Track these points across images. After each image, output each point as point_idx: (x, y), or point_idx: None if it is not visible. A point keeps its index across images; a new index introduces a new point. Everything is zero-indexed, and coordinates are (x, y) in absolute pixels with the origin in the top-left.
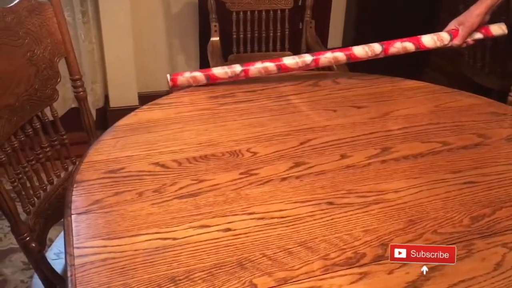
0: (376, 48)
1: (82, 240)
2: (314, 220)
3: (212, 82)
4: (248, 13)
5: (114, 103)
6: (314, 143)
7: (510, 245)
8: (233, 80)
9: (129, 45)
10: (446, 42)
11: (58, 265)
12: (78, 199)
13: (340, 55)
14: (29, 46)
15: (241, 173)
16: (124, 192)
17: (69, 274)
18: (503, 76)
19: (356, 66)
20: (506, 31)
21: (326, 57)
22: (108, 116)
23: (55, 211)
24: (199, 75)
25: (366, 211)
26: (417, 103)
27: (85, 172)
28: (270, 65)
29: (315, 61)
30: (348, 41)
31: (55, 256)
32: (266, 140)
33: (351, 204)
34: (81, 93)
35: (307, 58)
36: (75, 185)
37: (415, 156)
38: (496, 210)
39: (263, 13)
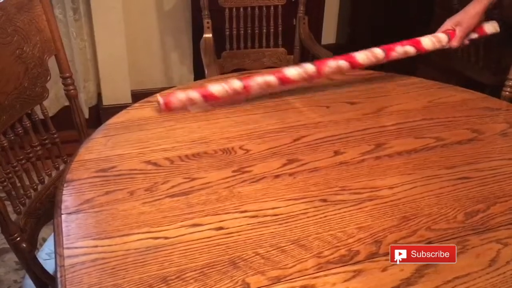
0: (378, 53)
1: (72, 240)
2: (308, 217)
3: (210, 101)
4: (241, 9)
5: (107, 101)
6: (307, 139)
7: (504, 240)
8: (233, 99)
9: (121, 42)
10: (444, 43)
11: (49, 265)
12: (68, 198)
13: (343, 63)
14: (18, 43)
15: (233, 171)
16: (115, 191)
17: (59, 275)
18: (497, 71)
19: None
20: (498, 30)
21: (330, 66)
22: (101, 114)
23: (47, 210)
24: (195, 96)
25: (360, 208)
26: (411, 99)
27: (76, 171)
28: (271, 78)
29: (318, 71)
30: (342, 37)
31: (46, 256)
32: (259, 137)
33: (344, 201)
34: (72, 91)
35: (309, 67)
36: (65, 185)
37: (409, 152)
38: (491, 206)
39: (256, 9)
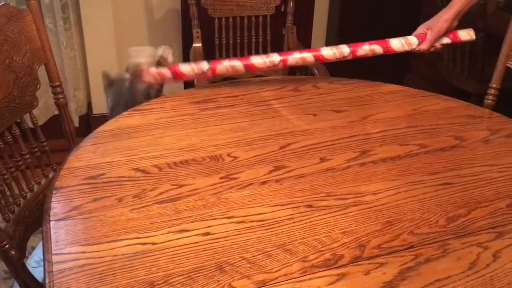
0: (344, 50)
1: (61, 246)
2: (293, 223)
3: (178, 79)
4: (230, 19)
5: (97, 109)
6: (294, 147)
7: (484, 244)
8: (200, 78)
9: (111, 51)
10: (414, 46)
11: (39, 272)
12: (57, 205)
13: (308, 56)
14: (8, 53)
15: (221, 178)
16: (104, 198)
17: (47, 280)
18: (482, 80)
19: (338, 71)
20: (474, 37)
21: (294, 57)
22: (91, 123)
23: (36, 218)
24: (165, 71)
25: (345, 213)
26: (396, 107)
27: (65, 179)
28: (237, 64)
29: (283, 61)
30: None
31: (36, 264)
32: (246, 145)
33: (329, 207)
34: (61, 99)
35: (275, 58)
36: (54, 192)
37: (393, 158)
38: (472, 211)
39: (245, 19)
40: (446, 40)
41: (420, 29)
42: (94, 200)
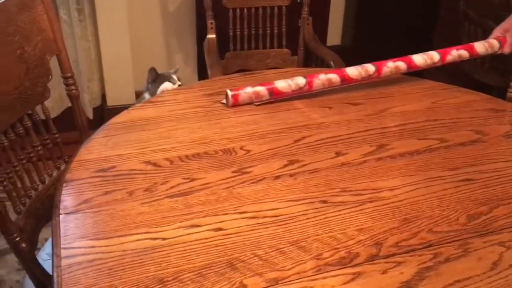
0: (434, 56)
1: (70, 240)
2: (307, 219)
3: (275, 97)
4: (245, 10)
5: (111, 101)
6: (308, 140)
7: (507, 243)
8: (297, 94)
9: (125, 43)
10: (496, 49)
11: (50, 265)
12: (67, 198)
13: (402, 65)
14: (19, 43)
15: (233, 172)
16: (114, 191)
17: (55, 275)
18: (504, 73)
19: (353, 63)
20: None
21: (388, 66)
22: (105, 115)
23: (47, 210)
24: (261, 89)
25: (361, 210)
26: (415, 100)
27: (75, 171)
28: (333, 76)
29: (378, 71)
30: (348, 39)
31: (47, 256)
32: (260, 138)
33: (345, 203)
34: (74, 91)
35: (370, 68)
36: (64, 185)
37: (411, 153)
38: (493, 208)
39: (260, 10)
40: None
41: (497, 31)
42: (104, 193)
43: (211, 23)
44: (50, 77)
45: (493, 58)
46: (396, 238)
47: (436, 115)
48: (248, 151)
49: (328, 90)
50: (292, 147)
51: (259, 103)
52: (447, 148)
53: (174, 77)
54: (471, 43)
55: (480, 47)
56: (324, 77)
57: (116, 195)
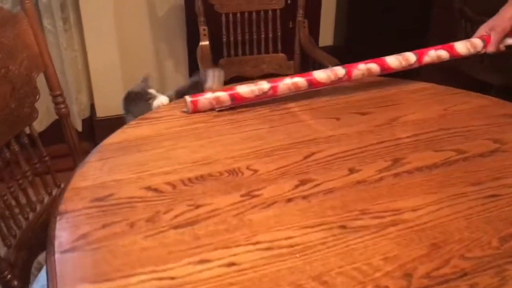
0: (410, 58)
1: (68, 283)
2: (327, 248)
3: (237, 102)
4: (238, 14)
5: (100, 112)
6: (319, 156)
7: None
8: (260, 99)
9: (113, 51)
10: (479, 49)
11: None
12: (62, 234)
13: (374, 67)
14: (3, 62)
15: (242, 195)
16: (114, 224)
17: None
18: (503, 71)
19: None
20: None
21: (360, 69)
22: (95, 127)
23: (40, 240)
24: (222, 95)
25: (384, 235)
26: (425, 107)
27: (69, 202)
28: (300, 80)
29: (348, 74)
30: (340, 39)
31: None
32: (266, 156)
33: (366, 227)
34: (63, 109)
35: (339, 71)
36: (58, 217)
37: (429, 167)
38: None
39: (254, 14)
40: (510, 40)
41: (482, 30)
42: (102, 226)
43: (204, 29)
44: (37, 96)
45: (493, 55)
46: (426, 267)
47: (449, 123)
48: (255, 170)
49: (330, 97)
50: (302, 165)
51: (220, 108)
52: (466, 160)
53: (151, 91)
54: (451, 43)
55: (461, 47)
56: (290, 82)
57: (115, 227)
